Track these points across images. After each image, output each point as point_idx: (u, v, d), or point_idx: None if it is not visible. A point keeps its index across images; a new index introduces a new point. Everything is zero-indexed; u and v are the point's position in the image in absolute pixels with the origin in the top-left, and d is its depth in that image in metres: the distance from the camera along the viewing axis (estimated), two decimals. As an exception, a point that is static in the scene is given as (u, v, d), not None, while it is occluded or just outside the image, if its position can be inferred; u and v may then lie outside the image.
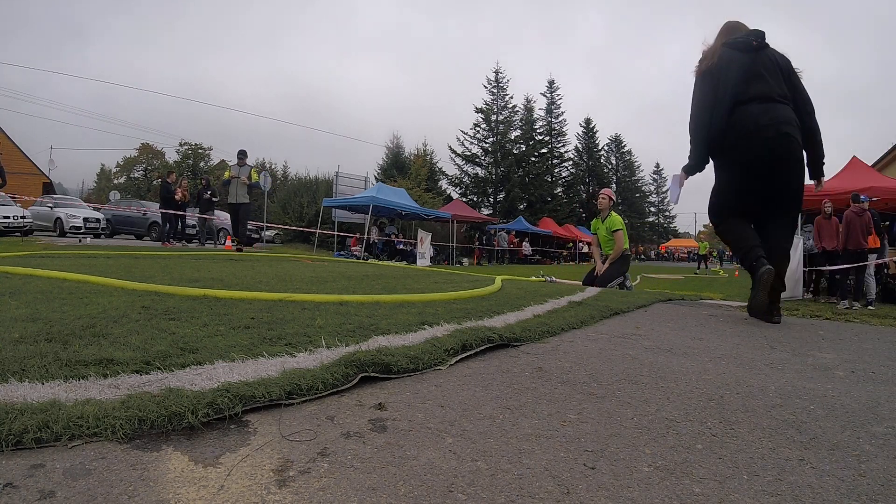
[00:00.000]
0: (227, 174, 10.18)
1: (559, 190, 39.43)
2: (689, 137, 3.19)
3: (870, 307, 5.92)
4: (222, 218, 15.09)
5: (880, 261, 6.42)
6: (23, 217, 12.78)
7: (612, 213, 5.95)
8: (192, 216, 13.81)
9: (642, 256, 46.28)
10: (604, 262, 5.89)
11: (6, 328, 1.54)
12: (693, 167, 3.26)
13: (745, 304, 3.79)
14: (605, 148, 47.62)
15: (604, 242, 5.99)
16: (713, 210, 3.30)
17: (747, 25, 3.20)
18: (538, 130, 38.26)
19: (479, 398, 1.29)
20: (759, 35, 3.05)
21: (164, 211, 12.33)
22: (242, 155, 10.34)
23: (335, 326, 1.88)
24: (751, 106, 2.91)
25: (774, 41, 3.08)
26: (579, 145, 44.24)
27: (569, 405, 1.27)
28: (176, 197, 12.37)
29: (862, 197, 6.57)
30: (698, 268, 23.34)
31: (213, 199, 13.10)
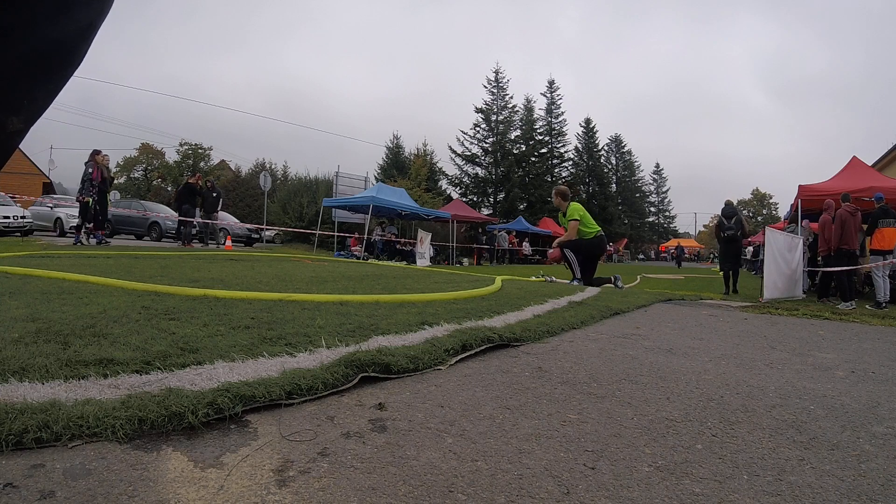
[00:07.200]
0: None
1: (559, 190, 39.40)
2: None
3: (869, 307, 5.90)
4: (223, 218, 15.09)
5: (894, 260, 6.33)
6: (23, 217, 12.76)
7: (573, 204, 6.13)
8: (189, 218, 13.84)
9: (641, 256, 46.16)
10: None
11: (6, 328, 1.54)
12: None
13: (746, 304, 3.83)
14: (605, 148, 47.49)
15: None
16: None
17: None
18: (538, 130, 38.19)
19: (479, 398, 1.29)
20: None
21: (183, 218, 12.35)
22: None
23: (335, 326, 1.88)
24: None
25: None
26: (579, 145, 44.13)
27: (569, 405, 1.27)
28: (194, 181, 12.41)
29: (878, 195, 6.52)
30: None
31: (219, 198, 13.10)
